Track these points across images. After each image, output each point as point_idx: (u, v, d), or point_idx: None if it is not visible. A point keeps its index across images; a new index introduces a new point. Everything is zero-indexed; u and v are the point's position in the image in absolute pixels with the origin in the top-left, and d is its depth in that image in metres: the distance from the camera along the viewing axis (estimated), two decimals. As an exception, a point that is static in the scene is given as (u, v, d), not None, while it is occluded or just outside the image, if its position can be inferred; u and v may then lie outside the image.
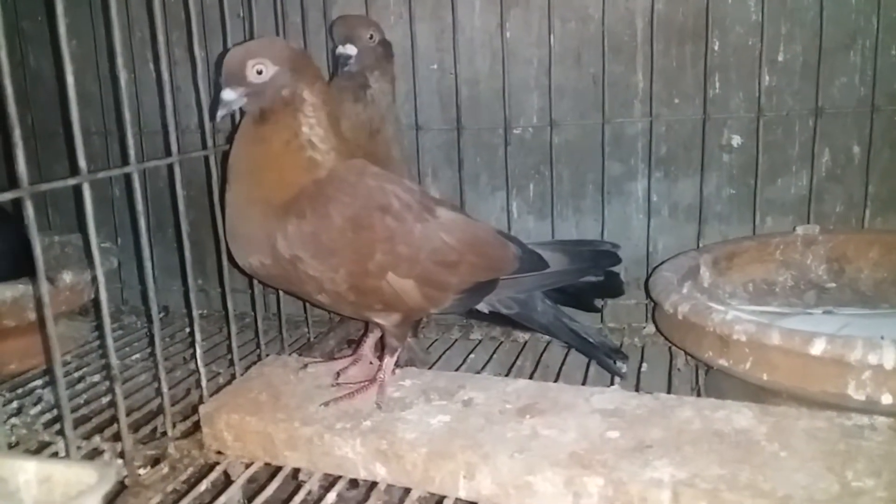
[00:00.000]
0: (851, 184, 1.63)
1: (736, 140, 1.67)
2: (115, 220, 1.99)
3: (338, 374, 1.26)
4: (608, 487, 0.94)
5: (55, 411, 1.32)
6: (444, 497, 1.04)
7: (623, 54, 1.67)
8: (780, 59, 1.61)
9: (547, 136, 1.69)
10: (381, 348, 1.23)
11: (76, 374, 1.53)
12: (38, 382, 1.47)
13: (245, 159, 1.11)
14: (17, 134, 0.87)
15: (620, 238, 1.71)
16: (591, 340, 1.35)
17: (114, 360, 1.06)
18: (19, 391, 1.45)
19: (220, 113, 1.08)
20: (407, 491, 1.06)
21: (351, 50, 1.41)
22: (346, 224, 1.07)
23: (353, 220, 1.08)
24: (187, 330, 1.78)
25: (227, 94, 1.07)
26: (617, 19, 1.65)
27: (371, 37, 1.43)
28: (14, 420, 1.32)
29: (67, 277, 1.49)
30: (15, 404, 1.39)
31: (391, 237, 1.10)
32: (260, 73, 1.06)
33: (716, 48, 1.63)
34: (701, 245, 1.66)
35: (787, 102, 1.62)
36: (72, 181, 0.98)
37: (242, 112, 1.13)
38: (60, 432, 1.22)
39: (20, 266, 1.36)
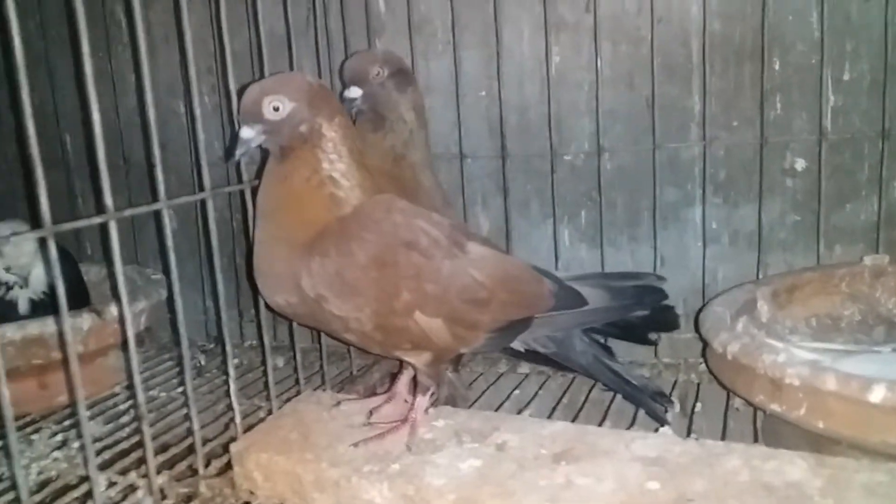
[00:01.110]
0: (926, 209, 1.52)
1: (800, 164, 1.58)
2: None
3: (371, 412, 1.23)
4: (644, 545, 0.88)
5: (97, 445, 1.33)
6: (472, 547, 0.99)
7: (677, 76, 1.60)
8: (846, 77, 1.52)
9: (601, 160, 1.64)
10: (415, 386, 1.20)
11: (122, 407, 1.54)
12: (86, 414, 1.49)
13: (269, 198, 1.10)
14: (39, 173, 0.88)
15: (677, 267, 1.65)
16: (633, 383, 1.28)
17: (141, 399, 1.05)
18: (65, 423, 1.47)
19: (239, 151, 1.07)
20: (435, 539, 1.01)
21: (355, 92, 1.39)
22: (369, 262, 1.04)
23: (377, 259, 1.05)
24: (238, 360, 1.79)
25: (245, 133, 1.06)
26: (670, 40, 1.59)
27: (378, 73, 1.40)
28: (56, 454, 1.34)
29: (115, 310, 1.51)
30: (59, 437, 1.41)
31: (417, 275, 1.06)
32: (277, 109, 1.05)
33: (776, 67, 1.55)
34: (763, 274, 1.57)
35: (854, 123, 1.53)
36: (97, 219, 0.99)
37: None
38: (101, 467, 1.23)
39: (70, 299, 1.39)
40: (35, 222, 0.92)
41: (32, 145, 0.88)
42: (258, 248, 1.12)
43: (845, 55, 1.51)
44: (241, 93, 1.09)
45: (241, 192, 1.26)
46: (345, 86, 1.42)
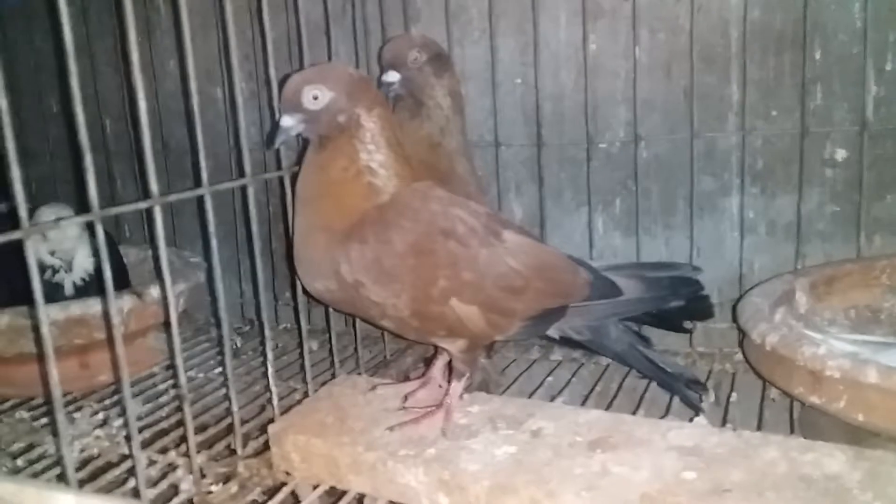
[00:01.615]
0: (968, 200, 1.49)
1: (840, 154, 1.55)
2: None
3: (406, 397, 1.24)
4: (680, 534, 0.89)
5: (138, 424, 1.36)
6: (507, 532, 1.00)
7: (716, 65, 1.58)
8: (888, 68, 1.49)
9: (637, 149, 1.63)
10: (450, 371, 1.21)
11: (162, 387, 1.58)
12: (130, 395, 1.52)
13: (308, 186, 1.12)
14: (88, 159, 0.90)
15: (713, 257, 1.64)
16: (668, 370, 1.28)
17: (183, 380, 1.07)
18: (106, 402, 1.50)
19: (279, 139, 1.09)
20: (470, 523, 1.02)
21: (393, 77, 1.40)
22: (407, 250, 1.05)
23: (415, 246, 1.06)
24: (274, 343, 1.81)
25: (285, 121, 1.08)
26: (709, 28, 1.57)
27: (416, 59, 1.41)
28: (98, 432, 1.37)
29: (155, 292, 1.54)
30: (101, 416, 1.44)
31: (455, 263, 1.07)
32: (316, 98, 1.06)
33: (817, 57, 1.52)
34: (800, 265, 1.56)
35: (896, 114, 1.50)
36: (143, 204, 1.01)
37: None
38: (141, 445, 1.25)
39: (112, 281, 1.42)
40: (81, 206, 0.94)
41: (82, 133, 0.90)
42: (298, 236, 1.13)
43: (888, 45, 1.49)
44: (282, 82, 1.10)
45: (280, 178, 1.27)
46: (383, 70, 1.43)
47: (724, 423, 1.30)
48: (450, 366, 1.21)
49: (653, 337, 1.57)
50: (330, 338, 1.44)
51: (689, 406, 1.30)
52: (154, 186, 1.00)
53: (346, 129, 1.07)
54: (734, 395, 1.42)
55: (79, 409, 1.48)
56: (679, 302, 1.22)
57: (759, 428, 1.27)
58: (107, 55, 2.07)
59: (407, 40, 1.49)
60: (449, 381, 1.19)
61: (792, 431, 1.27)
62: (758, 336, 1.18)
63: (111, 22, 2.05)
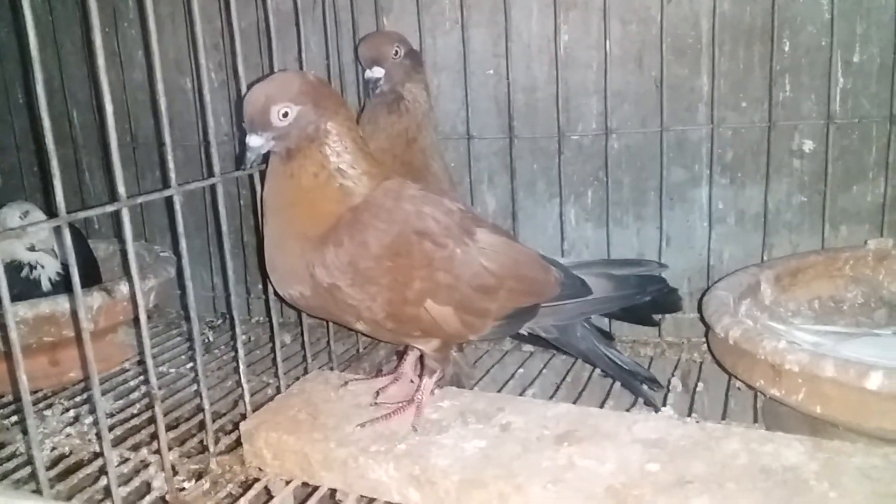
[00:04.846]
0: (934, 192, 1.52)
1: (808, 145, 1.57)
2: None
3: (377, 392, 1.25)
4: (644, 526, 0.91)
5: (109, 421, 1.36)
6: (476, 525, 1.01)
7: (687, 57, 1.60)
8: (856, 60, 1.51)
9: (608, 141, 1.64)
10: (422, 367, 1.22)
11: (132, 383, 1.57)
12: (100, 393, 1.52)
13: (278, 196, 1.11)
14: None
15: (683, 247, 1.66)
16: (627, 368, 1.30)
17: (154, 381, 1.07)
18: (77, 399, 1.50)
19: (249, 158, 1.08)
20: (441, 517, 1.04)
21: (378, 72, 1.41)
22: (383, 252, 1.05)
23: (390, 248, 1.06)
24: (246, 336, 1.81)
25: (254, 141, 1.06)
26: (680, 20, 1.58)
27: (396, 53, 1.42)
28: (69, 430, 1.36)
29: (125, 288, 1.53)
30: (72, 413, 1.43)
31: (430, 264, 1.08)
32: (285, 115, 1.04)
33: (786, 49, 1.54)
34: (768, 255, 1.58)
35: (863, 106, 1.52)
36: (110, 207, 1.00)
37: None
38: (112, 443, 1.26)
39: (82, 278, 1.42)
40: (49, 204, 0.93)
41: (48, 139, 0.89)
42: (270, 245, 1.13)
43: (855, 38, 1.50)
44: (243, 97, 1.08)
45: (250, 175, 1.27)
46: (365, 66, 1.43)
47: (690, 411, 1.33)
48: (421, 361, 1.22)
49: (622, 327, 1.61)
50: (302, 331, 1.44)
51: (647, 403, 1.33)
52: (122, 189, 1.00)
53: (314, 138, 1.06)
54: (701, 384, 1.45)
55: (49, 406, 1.47)
56: (646, 299, 1.24)
57: (724, 417, 1.30)
58: (73, 45, 2.05)
59: (386, 36, 1.49)
60: (420, 377, 1.20)
61: (756, 420, 1.30)
62: (721, 330, 1.21)
63: (77, 11, 2.02)
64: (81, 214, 0.97)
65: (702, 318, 1.33)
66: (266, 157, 1.14)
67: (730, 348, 1.20)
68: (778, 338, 1.12)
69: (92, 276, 1.70)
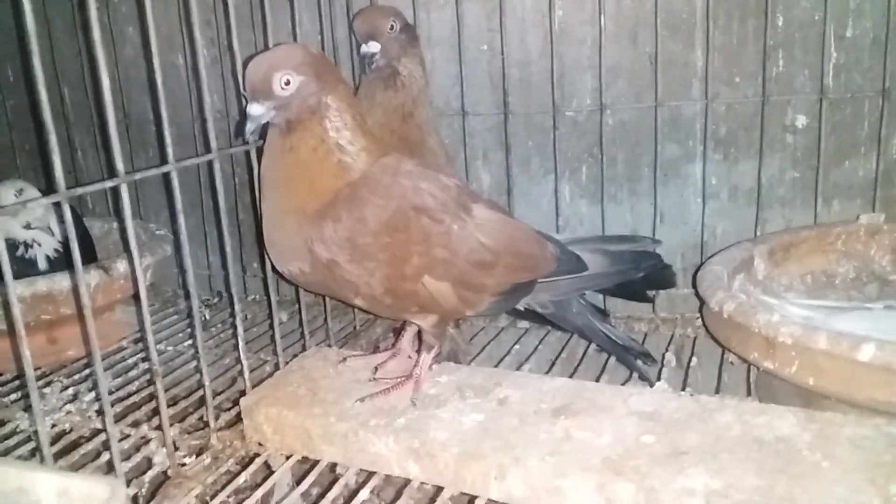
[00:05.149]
0: (925, 166, 1.54)
1: (801, 120, 1.58)
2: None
3: (376, 368, 1.26)
4: (639, 495, 0.92)
5: (110, 398, 1.36)
6: (475, 497, 1.03)
7: (681, 32, 1.59)
8: (849, 34, 1.52)
9: (602, 117, 1.64)
10: (420, 342, 1.23)
11: (130, 360, 1.58)
12: (102, 370, 1.53)
13: (276, 170, 1.10)
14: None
15: (677, 223, 1.67)
16: (621, 344, 1.32)
17: (154, 357, 1.08)
18: (76, 377, 1.51)
19: (249, 127, 1.07)
20: (439, 489, 1.05)
21: (374, 47, 1.41)
22: (381, 228, 1.06)
23: (388, 224, 1.06)
24: (243, 314, 1.81)
25: (255, 109, 1.05)
26: (675, -6, 1.58)
27: (392, 27, 1.42)
28: (69, 407, 1.37)
29: (122, 266, 1.54)
30: (71, 391, 1.44)
31: (427, 239, 1.08)
32: (287, 84, 1.04)
33: (779, 24, 1.54)
34: (761, 230, 1.60)
35: (855, 81, 1.53)
36: (109, 183, 1.00)
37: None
38: (113, 420, 1.27)
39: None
40: (45, 181, 0.94)
41: (46, 115, 0.89)
42: (269, 220, 1.13)
43: (848, 12, 1.51)
44: (244, 67, 1.08)
45: (247, 152, 1.27)
46: (361, 41, 1.43)
47: (684, 385, 1.35)
48: (419, 336, 1.23)
49: (617, 303, 1.62)
50: (300, 309, 1.45)
51: (642, 378, 1.35)
52: (120, 165, 1.00)
53: (315, 110, 1.06)
54: (695, 358, 1.47)
55: (48, 384, 1.48)
56: (640, 275, 1.25)
57: (718, 390, 1.32)
58: (64, 21, 2.03)
59: (381, 10, 1.49)
60: (418, 352, 1.22)
61: (749, 393, 1.32)
62: (716, 304, 1.22)
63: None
64: (80, 191, 0.98)
65: (696, 293, 1.35)
66: (263, 133, 1.14)
67: (724, 322, 1.21)
68: (771, 311, 1.14)
69: (88, 255, 1.70)
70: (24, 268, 1.61)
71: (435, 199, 1.10)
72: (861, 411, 1.05)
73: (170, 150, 1.09)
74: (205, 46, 1.86)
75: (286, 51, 1.09)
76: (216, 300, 1.96)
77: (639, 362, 1.34)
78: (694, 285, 1.38)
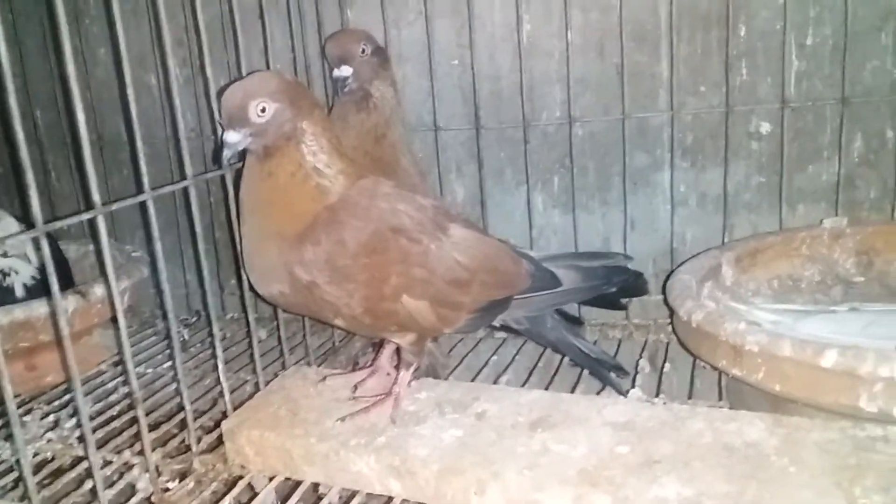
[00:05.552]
0: (885, 169, 1.58)
1: (765, 127, 1.62)
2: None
3: (355, 386, 1.28)
4: (615, 505, 0.95)
5: (91, 424, 1.37)
6: (457, 511, 1.05)
7: (647, 43, 1.63)
8: (809, 42, 1.56)
9: (572, 129, 1.67)
10: (399, 359, 1.25)
11: (110, 385, 1.58)
12: (82, 398, 1.52)
13: (255, 195, 1.12)
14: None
15: (647, 230, 1.71)
16: (594, 357, 1.35)
17: (134, 384, 1.09)
18: (55, 404, 1.50)
19: (226, 154, 1.09)
20: (422, 505, 1.07)
21: (346, 71, 1.42)
22: (360, 249, 1.08)
23: (367, 245, 1.08)
24: (222, 333, 1.82)
25: (232, 137, 1.07)
26: (639, 7, 1.61)
27: (363, 51, 1.43)
28: (50, 434, 1.37)
29: (99, 290, 1.54)
30: (51, 418, 1.44)
31: (405, 260, 1.10)
32: (263, 111, 1.06)
33: (742, 34, 1.58)
34: (729, 235, 1.63)
35: (816, 87, 1.57)
36: (86, 215, 1.01)
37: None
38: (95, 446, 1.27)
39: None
40: (21, 210, 0.94)
41: (23, 152, 0.90)
42: (248, 244, 1.14)
43: (808, 20, 1.55)
44: (220, 96, 1.10)
45: (222, 176, 1.28)
46: (333, 65, 1.44)
47: (658, 391, 1.38)
48: (398, 353, 1.25)
49: (591, 311, 1.65)
50: (278, 326, 1.46)
51: (616, 391, 1.37)
52: (96, 196, 1.01)
53: (291, 136, 1.08)
54: (668, 364, 1.50)
55: (28, 412, 1.47)
56: (612, 290, 1.28)
57: (691, 395, 1.36)
58: (34, 43, 2.02)
59: (352, 34, 1.51)
60: (397, 369, 1.23)
61: (721, 398, 1.35)
62: (684, 314, 1.26)
63: (38, 9, 1.99)
64: (58, 224, 0.98)
65: (666, 301, 1.38)
66: (242, 156, 1.15)
67: (693, 331, 1.25)
68: (738, 320, 1.17)
69: (65, 280, 1.70)
70: (2, 296, 1.60)
71: (412, 220, 1.12)
72: (827, 415, 1.08)
73: (145, 180, 1.10)
74: (177, 66, 1.87)
75: (261, 78, 1.11)
76: (194, 319, 1.96)
77: (612, 375, 1.36)
78: (664, 292, 1.41)
